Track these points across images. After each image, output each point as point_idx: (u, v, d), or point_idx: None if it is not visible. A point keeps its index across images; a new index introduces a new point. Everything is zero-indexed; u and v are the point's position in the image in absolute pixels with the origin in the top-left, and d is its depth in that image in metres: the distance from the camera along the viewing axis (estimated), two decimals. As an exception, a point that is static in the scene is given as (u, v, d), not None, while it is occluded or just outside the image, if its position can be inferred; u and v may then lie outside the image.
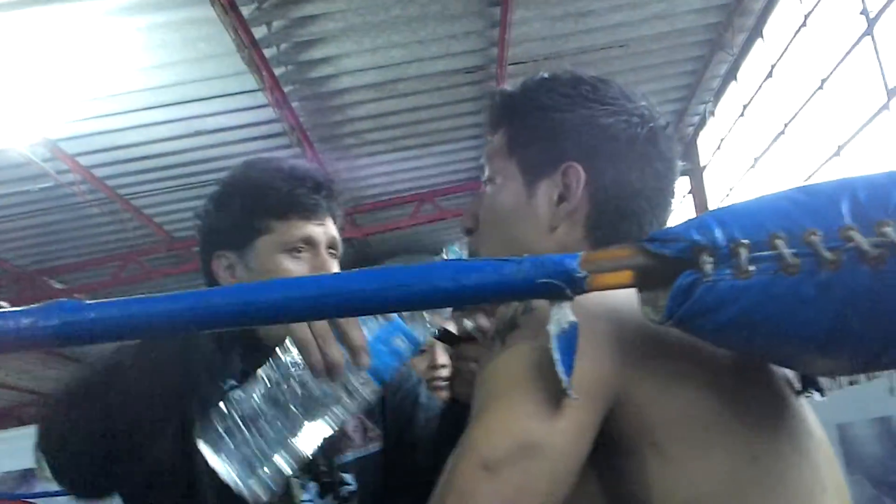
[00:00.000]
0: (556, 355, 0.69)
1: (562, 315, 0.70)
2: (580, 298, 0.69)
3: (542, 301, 0.70)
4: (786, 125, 5.71)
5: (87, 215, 6.59)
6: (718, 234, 0.66)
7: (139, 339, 0.74)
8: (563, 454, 0.69)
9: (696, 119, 6.90)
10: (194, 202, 5.54)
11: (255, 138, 5.76)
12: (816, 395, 0.81)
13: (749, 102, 6.24)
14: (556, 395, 0.69)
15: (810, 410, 0.83)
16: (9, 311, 0.71)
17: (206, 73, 4.90)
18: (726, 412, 0.74)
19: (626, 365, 0.70)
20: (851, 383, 4.10)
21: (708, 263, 0.66)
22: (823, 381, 0.82)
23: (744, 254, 0.65)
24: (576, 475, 0.70)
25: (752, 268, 0.65)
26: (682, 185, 7.22)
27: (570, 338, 0.70)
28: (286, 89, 5.17)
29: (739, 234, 0.66)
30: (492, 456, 0.68)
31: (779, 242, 0.65)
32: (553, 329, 0.70)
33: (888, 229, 0.63)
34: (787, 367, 0.76)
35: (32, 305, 0.71)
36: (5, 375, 11.18)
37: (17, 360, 10.33)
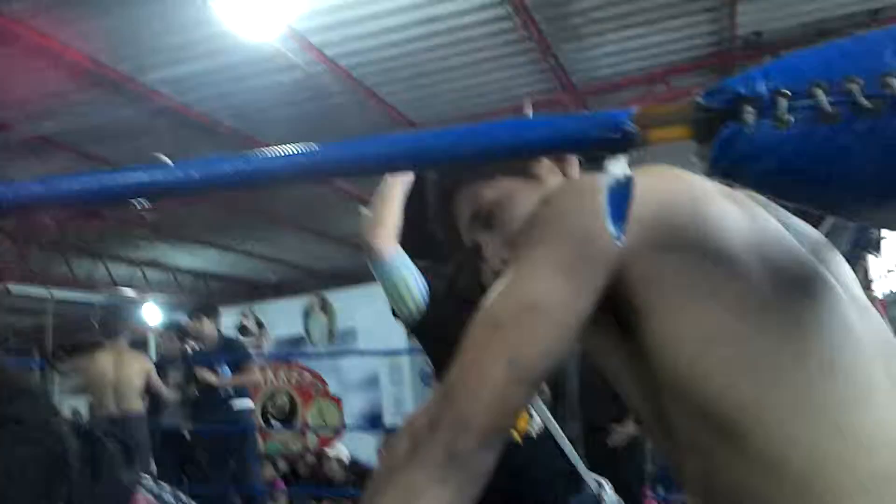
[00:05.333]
0: (606, 206, 0.74)
1: (616, 167, 0.75)
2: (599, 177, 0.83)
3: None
4: None
5: (336, 104, 7.08)
6: (761, 85, 0.68)
7: (268, 187, 0.88)
8: (561, 312, 0.82)
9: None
10: (431, 89, 5.75)
11: (483, 22, 5.83)
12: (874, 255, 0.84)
13: None
14: (556, 263, 0.83)
15: (848, 277, 0.91)
16: (168, 165, 0.88)
17: (433, -41, 5.02)
18: (725, 267, 0.82)
19: (631, 234, 0.78)
20: None
21: (749, 114, 0.68)
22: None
23: (782, 103, 0.67)
24: (576, 330, 0.83)
25: (790, 117, 0.66)
26: None
27: (625, 189, 0.75)
28: (511, -29, 5.16)
29: (781, 84, 0.67)
30: (499, 315, 0.82)
31: (817, 91, 0.65)
32: (607, 181, 0.75)
33: (929, 74, 0.61)
34: (851, 219, 0.76)
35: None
36: (281, 252, 12.55)
37: (291, 237, 11.54)
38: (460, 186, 1.15)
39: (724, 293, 0.82)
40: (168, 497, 1.13)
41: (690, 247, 0.83)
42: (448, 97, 7.02)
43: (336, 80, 6.58)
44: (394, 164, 0.79)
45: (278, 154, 0.86)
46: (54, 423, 0.99)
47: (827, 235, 0.96)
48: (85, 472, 1.01)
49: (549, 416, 1.89)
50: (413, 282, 2.02)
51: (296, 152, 0.85)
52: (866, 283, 8.29)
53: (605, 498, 1.85)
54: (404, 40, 6.07)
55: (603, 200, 0.87)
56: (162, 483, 1.14)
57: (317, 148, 0.84)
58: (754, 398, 0.78)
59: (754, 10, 5.88)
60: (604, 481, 1.90)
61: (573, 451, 1.93)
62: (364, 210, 2.03)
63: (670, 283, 0.83)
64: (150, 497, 1.09)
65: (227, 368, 5.97)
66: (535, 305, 0.82)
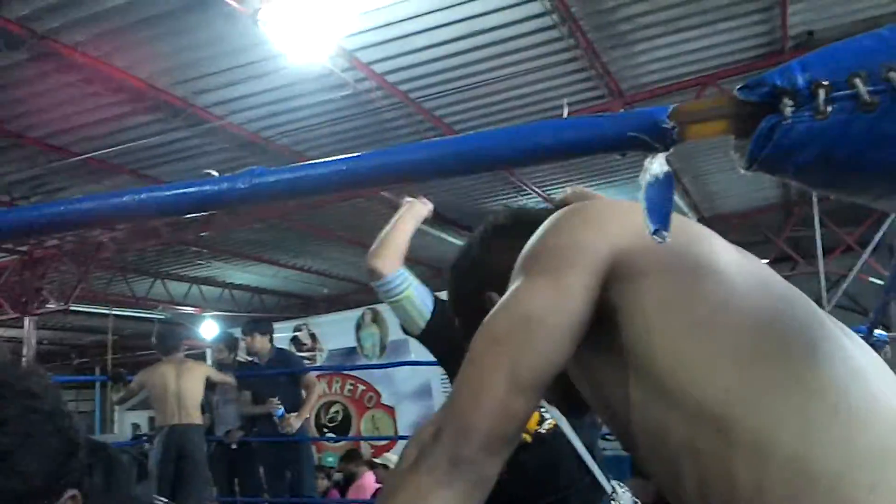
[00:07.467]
0: (646, 203, 0.74)
1: (654, 165, 0.75)
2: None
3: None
4: None
5: (385, 119, 7.16)
6: (800, 77, 0.67)
7: (311, 196, 0.91)
8: (555, 319, 0.85)
9: None
10: (478, 101, 5.78)
11: (530, 32, 5.85)
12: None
13: None
14: (547, 274, 0.87)
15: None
16: (215, 178, 0.91)
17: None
18: (707, 269, 0.87)
19: (622, 237, 0.87)
20: None
21: (788, 106, 0.67)
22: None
23: (822, 94, 0.66)
24: (574, 333, 0.86)
25: (829, 108, 0.66)
26: None
27: (664, 185, 0.75)
28: (556, -21, 5.17)
29: (821, 75, 0.67)
30: (498, 328, 0.87)
31: (856, 81, 0.65)
32: (646, 178, 0.75)
33: (969, 59, 0.60)
34: (889, 209, 0.75)
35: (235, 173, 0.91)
36: (332, 266, 12.70)
37: (341, 252, 11.67)
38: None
39: (708, 292, 0.84)
40: None
41: (676, 251, 0.86)
42: (497, 108, 7.04)
43: (385, 95, 6.66)
44: (437, 168, 0.81)
45: (320, 164, 0.87)
46: (67, 408, 1.02)
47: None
48: (96, 482, 1.04)
49: (561, 415, 1.85)
50: (417, 295, 2.07)
51: (338, 161, 0.87)
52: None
53: (621, 501, 1.83)
54: (451, 53, 6.12)
55: (597, 215, 0.95)
56: None
57: (360, 156, 0.86)
58: (737, 384, 0.78)
59: (805, 8, 5.79)
60: (619, 485, 1.87)
61: (587, 452, 1.89)
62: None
63: (658, 281, 0.86)
64: None
65: (281, 409, 6.01)
66: (530, 316, 0.86)
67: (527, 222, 1.13)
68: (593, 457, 1.89)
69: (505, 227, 1.29)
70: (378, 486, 7.24)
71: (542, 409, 1.91)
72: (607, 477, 1.89)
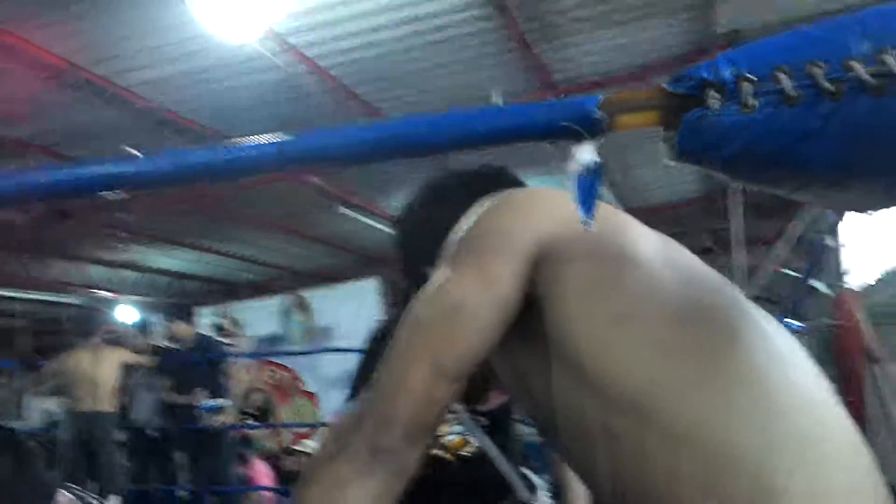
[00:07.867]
0: (576, 192, 0.75)
1: (583, 154, 0.76)
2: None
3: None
4: None
5: (315, 105, 7.05)
6: (726, 70, 0.69)
7: (236, 178, 0.88)
8: (481, 308, 0.85)
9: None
10: (411, 89, 5.74)
11: (463, 22, 5.84)
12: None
13: None
14: (473, 261, 0.87)
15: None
16: (136, 157, 0.88)
17: (413, -43, 5.01)
18: (634, 260, 0.88)
19: (548, 226, 0.87)
20: None
21: (714, 99, 0.69)
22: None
23: (747, 88, 0.67)
24: (500, 322, 0.86)
25: (755, 102, 0.67)
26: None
27: (593, 175, 0.76)
28: (490, -32, 5.17)
29: (746, 69, 0.68)
30: (422, 316, 0.86)
31: (781, 76, 0.66)
32: (575, 167, 0.76)
33: (888, 57, 0.62)
34: (808, 200, 0.77)
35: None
36: (257, 252, 12.50)
37: (266, 237, 11.49)
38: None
39: (632, 282, 0.84)
40: (91, 500, 1.14)
41: (601, 240, 0.86)
42: (429, 97, 7.02)
43: (316, 80, 6.56)
44: (367, 152, 0.79)
45: (246, 147, 0.85)
46: None
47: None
48: (5, 469, 1.01)
49: (488, 440, 1.86)
50: None
51: (265, 143, 0.85)
52: (839, 276, 8.29)
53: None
54: (385, 41, 6.06)
55: (523, 203, 0.95)
56: (89, 493, 1.17)
57: (290, 138, 0.84)
58: (660, 374, 0.78)
59: (732, 8, 5.92)
60: (540, 486, 1.89)
61: (508, 467, 1.90)
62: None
63: (582, 270, 0.86)
64: (73, 498, 1.09)
65: (208, 402, 5.89)
66: (455, 305, 0.85)
67: (489, 178, 1.13)
68: (518, 471, 1.90)
69: (466, 183, 1.19)
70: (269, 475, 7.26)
71: (467, 434, 1.91)
72: (529, 486, 1.90)
